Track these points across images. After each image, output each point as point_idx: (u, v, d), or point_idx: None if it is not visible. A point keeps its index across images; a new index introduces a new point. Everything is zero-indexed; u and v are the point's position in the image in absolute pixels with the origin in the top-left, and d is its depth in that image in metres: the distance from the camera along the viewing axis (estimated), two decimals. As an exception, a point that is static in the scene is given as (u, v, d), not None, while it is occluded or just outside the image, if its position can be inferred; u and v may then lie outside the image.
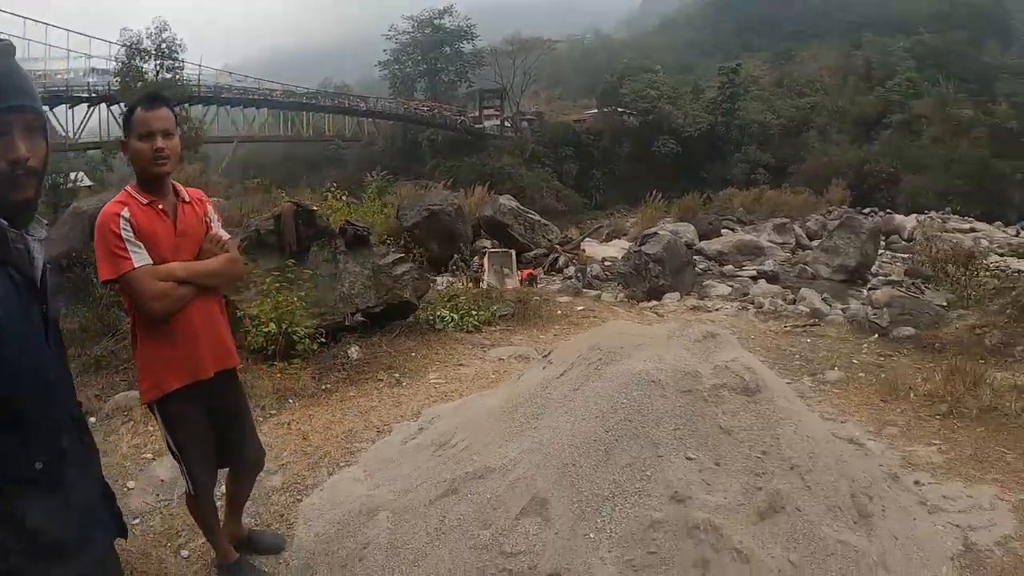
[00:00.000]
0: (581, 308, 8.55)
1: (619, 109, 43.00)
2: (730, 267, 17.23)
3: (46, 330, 1.60)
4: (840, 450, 2.94)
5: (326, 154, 47.02)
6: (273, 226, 6.82)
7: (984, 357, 5.84)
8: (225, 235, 2.75)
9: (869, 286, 12.91)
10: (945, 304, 9.05)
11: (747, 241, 19.41)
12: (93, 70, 37.50)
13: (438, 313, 7.17)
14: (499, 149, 42.59)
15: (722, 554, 2.11)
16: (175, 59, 32.55)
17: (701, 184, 32.98)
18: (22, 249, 1.53)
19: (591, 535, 2.14)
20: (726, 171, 39.05)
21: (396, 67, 49.47)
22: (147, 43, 31.70)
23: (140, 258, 2.45)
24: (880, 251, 17.87)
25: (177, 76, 31.75)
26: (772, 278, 15.28)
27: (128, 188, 2.59)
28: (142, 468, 4.06)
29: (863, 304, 9.56)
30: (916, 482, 3.73)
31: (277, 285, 6.06)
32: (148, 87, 29.33)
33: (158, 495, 3.75)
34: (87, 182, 21.84)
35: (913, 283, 11.84)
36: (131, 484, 3.91)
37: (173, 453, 2.73)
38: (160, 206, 2.57)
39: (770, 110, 44.41)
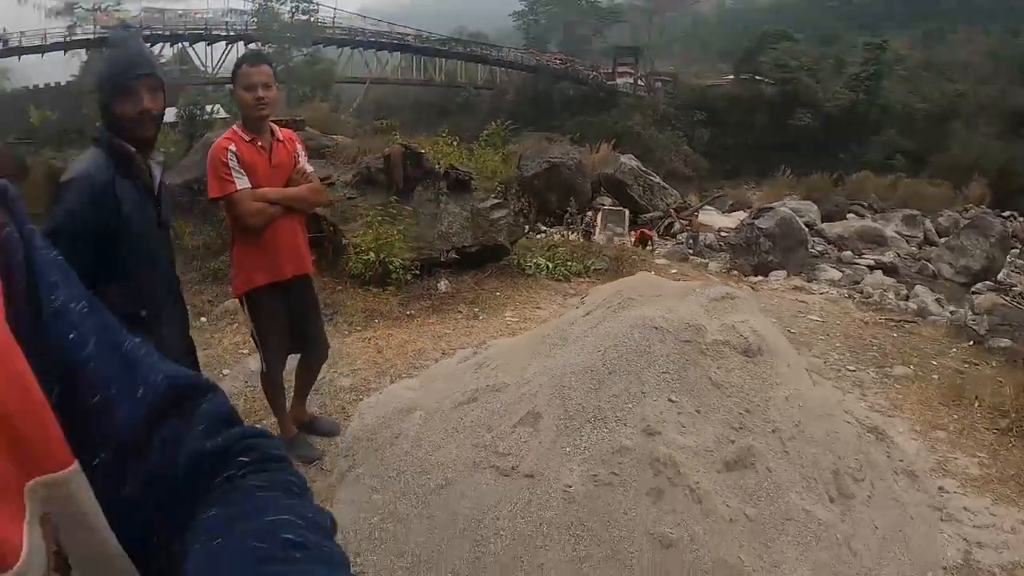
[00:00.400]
0: (674, 272, 8.66)
1: (756, 77, 41.34)
2: (848, 253, 16.68)
3: (159, 225, 2.36)
4: (837, 428, 3.03)
5: (457, 101, 47.79)
6: (383, 165, 7.44)
7: (1076, 381, 5.53)
8: (310, 168, 3.36)
9: (972, 290, 12.10)
10: (1053, 321, 8.54)
11: (870, 228, 18.63)
12: (231, 10, 40.28)
13: (534, 260, 7.50)
14: (630, 108, 41.75)
15: (677, 489, 2.40)
16: (310, 1, 33.93)
17: (836, 163, 31.41)
18: (145, 169, 2.26)
19: (567, 449, 2.51)
20: (863, 153, 36.87)
21: (531, 18, 49.34)
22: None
23: (242, 183, 3.08)
24: (1010, 258, 16.72)
25: (312, 18, 33.13)
26: (890, 270, 14.66)
27: (235, 127, 3.23)
28: (238, 360, 4.83)
29: (967, 309, 9.21)
30: (940, 488, 3.70)
31: (380, 219, 6.69)
32: (283, 28, 30.90)
33: (246, 382, 4.45)
34: (223, 114, 23.45)
35: (1021, 293, 11.19)
36: (226, 371, 4.69)
37: (254, 338, 3.39)
38: (259, 143, 3.18)
39: (915, 93, 41.46)
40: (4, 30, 33.58)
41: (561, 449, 2.51)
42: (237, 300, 3.52)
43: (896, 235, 18.90)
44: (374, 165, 7.46)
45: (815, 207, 20.09)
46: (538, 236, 9.94)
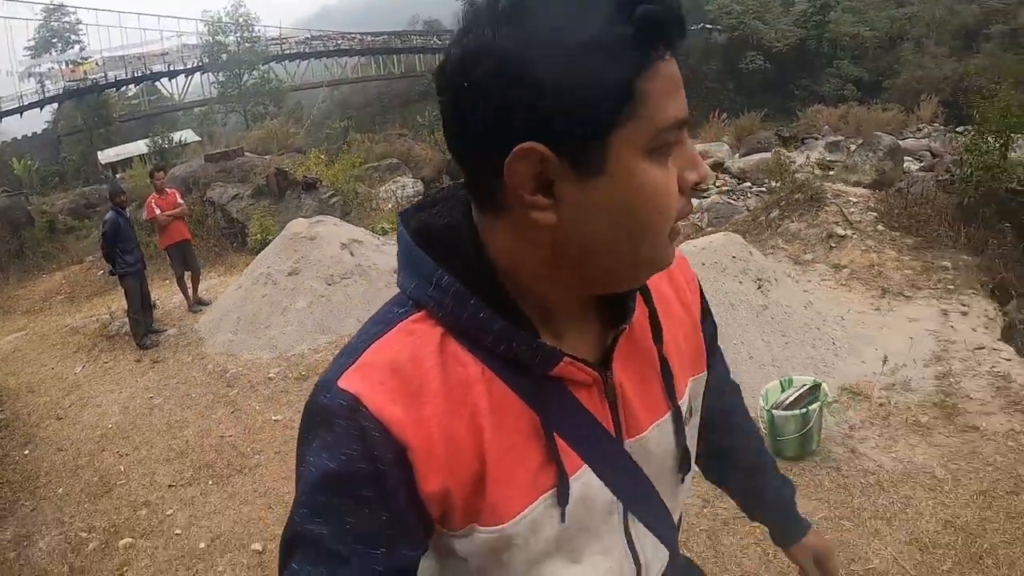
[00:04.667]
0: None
1: (706, 26, 44.15)
2: (748, 184, 18.87)
3: (130, 228, 8.00)
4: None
5: (419, 89, 51.79)
6: (265, 181, 12.32)
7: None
8: (181, 202, 8.86)
9: (705, 192, 14.84)
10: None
11: (769, 159, 21.76)
12: (184, 46, 46.74)
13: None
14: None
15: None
16: (252, 30, 40.43)
17: (791, 101, 34.15)
18: (126, 215, 8.03)
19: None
20: (817, 87, 39.78)
21: (475, -2, 53.13)
22: (226, 19, 39.80)
23: (157, 211, 8.50)
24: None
25: (255, 45, 39.11)
26: (779, 194, 17.62)
27: (153, 193, 8.71)
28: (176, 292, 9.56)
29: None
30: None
31: (265, 214, 11.58)
32: (232, 57, 37.14)
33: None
34: (194, 138, 26.92)
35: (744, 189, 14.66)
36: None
37: (171, 265, 8.71)
38: (161, 196, 8.58)
39: (863, 22, 43.91)
40: (-20, 98, 39.81)
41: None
42: (163, 250, 9.15)
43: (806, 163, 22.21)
44: (261, 181, 12.33)
45: (725, 147, 23.37)
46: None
